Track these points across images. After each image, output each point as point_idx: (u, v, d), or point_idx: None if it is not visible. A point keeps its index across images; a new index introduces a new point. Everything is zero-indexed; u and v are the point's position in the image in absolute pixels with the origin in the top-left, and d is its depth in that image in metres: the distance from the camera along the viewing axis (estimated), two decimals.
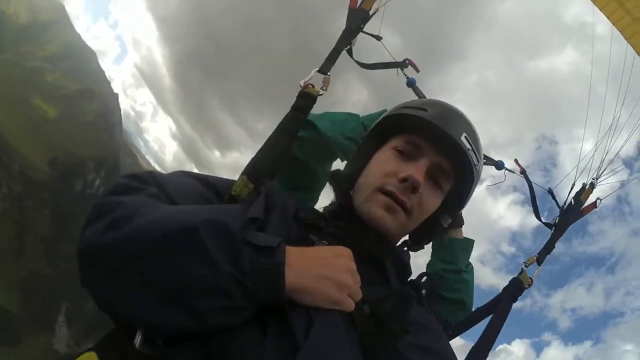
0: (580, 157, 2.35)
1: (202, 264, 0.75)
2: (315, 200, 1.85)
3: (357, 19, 1.59)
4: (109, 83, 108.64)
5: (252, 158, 1.20)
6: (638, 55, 2.57)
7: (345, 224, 1.13)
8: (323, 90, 1.36)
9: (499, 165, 2.16)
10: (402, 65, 1.89)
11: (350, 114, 1.81)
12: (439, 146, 1.14)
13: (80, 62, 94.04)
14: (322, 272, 0.87)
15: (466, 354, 1.65)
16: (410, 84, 1.95)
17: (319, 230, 1.09)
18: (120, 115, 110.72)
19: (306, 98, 1.32)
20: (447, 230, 1.65)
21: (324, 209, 1.27)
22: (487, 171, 2.18)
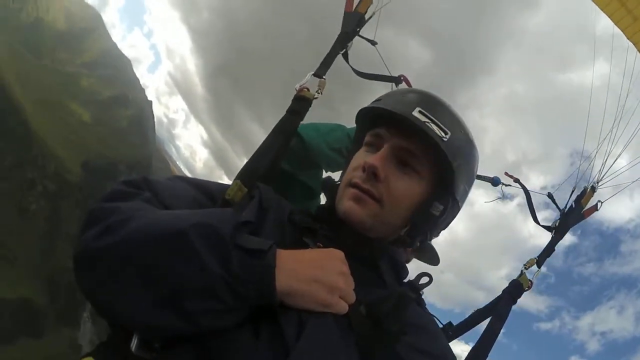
0: (581, 161, 2.40)
1: (192, 267, 0.75)
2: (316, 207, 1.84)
3: (353, 23, 1.58)
4: (143, 90, 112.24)
5: (247, 162, 1.21)
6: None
7: (334, 225, 1.12)
8: (318, 93, 1.37)
9: (495, 182, 2.17)
10: (396, 80, 1.85)
11: (337, 125, 1.81)
12: (398, 130, 1.11)
13: (116, 69, 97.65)
14: (313, 274, 0.86)
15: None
16: None
17: (314, 233, 1.09)
18: (154, 121, 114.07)
19: (302, 101, 1.34)
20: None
21: (315, 212, 1.26)
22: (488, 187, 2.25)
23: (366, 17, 1.62)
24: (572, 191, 2.30)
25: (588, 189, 2.28)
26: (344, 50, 1.59)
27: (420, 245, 1.28)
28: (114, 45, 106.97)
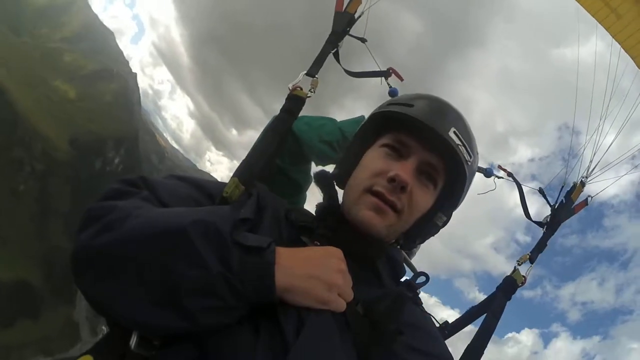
0: (571, 153, 2.43)
1: (191, 264, 0.74)
2: (303, 201, 1.82)
3: (343, 22, 1.61)
4: (127, 62, 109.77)
5: (243, 160, 1.23)
6: (624, 50, 2.60)
7: (334, 225, 1.12)
8: (311, 92, 1.39)
9: (488, 173, 2.16)
10: (386, 74, 1.87)
11: (329, 118, 1.79)
12: (428, 143, 1.10)
13: (99, 42, 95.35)
14: (312, 272, 0.87)
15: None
16: (392, 93, 1.90)
17: (311, 232, 1.09)
18: (139, 94, 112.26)
19: (295, 100, 1.36)
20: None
21: (315, 210, 1.25)
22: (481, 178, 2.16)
23: (356, 16, 1.65)
24: (562, 187, 2.32)
25: (577, 184, 2.28)
26: (335, 49, 1.61)
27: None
28: (95, 17, 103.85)
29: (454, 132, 1.09)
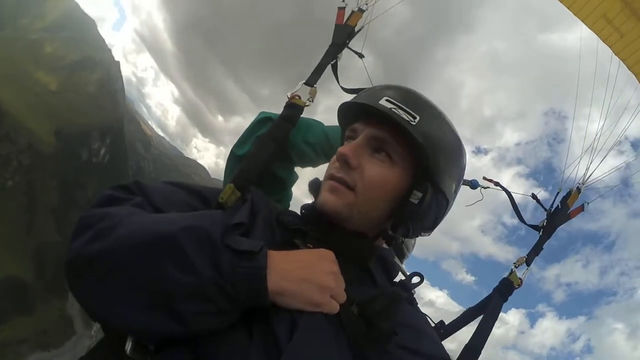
0: (567, 162, 2.43)
1: (182, 269, 0.75)
2: (288, 199, 1.81)
3: (343, 35, 1.63)
4: (109, 50, 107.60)
5: (240, 166, 1.23)
6: (627, 67, 2.62)
7: (326, 227, 1.11)
8: (309, 101, 1.41)
9: (473, 185, 2.13)
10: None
11: (315, 121, 1.76)
12: (371, 121, 1.11)
13: (80, 30, 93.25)
14: (304, 274, 0.87)
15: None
16: None
17: (303, 234, 1.08)
18: (123, 82, 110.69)
19: (293, 108, 1.38)
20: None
21: (301, 212, 1.25)
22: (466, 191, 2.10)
23: (356, 29, 1.67)
24: (558, 192, 2.34)
25: (574, 191, 2.31)
26: (334, 61, 1.62)
27: (403, 240, 1.33)
28: (76, 5, 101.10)
29: (386, 100, 1.09)
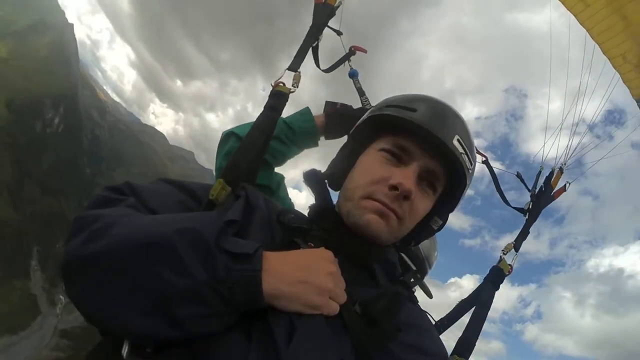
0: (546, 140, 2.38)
1: (177, 272, 0.74)
2: (280, 203, 1.56)
3: (323, 14, 1.58)
4: (62, 13, 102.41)
5: (229, 161, 1.19)
6: (591, 37, 2.63)
7: (330, 227, 1.08)
8: (294, 87, 1.36)
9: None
10: (350, 55, 1.86)
11: None
12: (429, 149, 1.06)
13: None
14: (301, 276, 0.85)
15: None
16: (352, 75, 1.89)
17: (304, 233, 1.06)
18: (76, 45, 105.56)
19: (278, 96, 1.32)
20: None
21: (308, 211, 1.20)
22: None
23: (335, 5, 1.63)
24: (539, 172, 2.31)
25: (556, 171, 2.27)
26: (316, 42, 1.59)
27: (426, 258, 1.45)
28: None
29: (458, 140, 1.06)
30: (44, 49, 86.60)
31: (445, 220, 1.21)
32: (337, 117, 1.75)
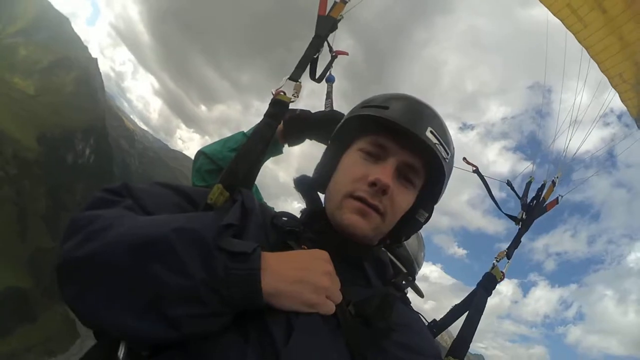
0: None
1: (174, 272, 0.74)
2: None
3: (326, 26, 1.61)
4: (85, 48, 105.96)
5: (227, 167, 1.20)
6: (590, 56, 2.69)
7: (320, 229, 1.12)
8: (295, 97, 1.38)
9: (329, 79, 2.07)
10: (333, 60, 1.90)
11: (236, 133, 1.82)
12: (405, 144, 1.09)
13: (54, 30, 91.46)
14: (299, 275, 0.86)
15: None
16: (329, 80, 1.96)
17: (297, 236, 1.07)
18: (101, 78, 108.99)
19: (278, 105, 1.34)
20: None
21: (300, 215, 1.24)
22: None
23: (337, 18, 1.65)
24: (529, 181, 2.40)
25: (549, 184, 2.33)
26: (317, 54, 1.62)
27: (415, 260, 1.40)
28: (49, 4, 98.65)
29: (431, 132, 1.09)
30: (70, 84, 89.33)
31: (430, 212, 1.24)
32: (295, 122, 1.77)
